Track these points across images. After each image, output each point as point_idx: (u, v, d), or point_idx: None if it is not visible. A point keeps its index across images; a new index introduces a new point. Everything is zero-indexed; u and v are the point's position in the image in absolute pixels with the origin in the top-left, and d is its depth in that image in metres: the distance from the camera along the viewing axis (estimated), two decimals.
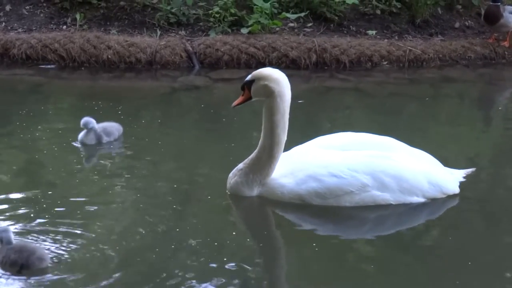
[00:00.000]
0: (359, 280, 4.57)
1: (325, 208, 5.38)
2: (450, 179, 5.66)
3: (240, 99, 5.57)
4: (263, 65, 9.21)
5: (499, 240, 5.12)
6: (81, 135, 6.75)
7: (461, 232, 5.27)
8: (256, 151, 5.53)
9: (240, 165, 5.58)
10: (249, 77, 5.49)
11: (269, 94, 5.40)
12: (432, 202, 5.54)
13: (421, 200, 5.51)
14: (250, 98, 5.51)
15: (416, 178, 5.46)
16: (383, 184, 5.36)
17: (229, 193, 5.63)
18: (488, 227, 5.36)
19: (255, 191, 5.55)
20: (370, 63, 10.26)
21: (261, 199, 5.55)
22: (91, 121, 6.74)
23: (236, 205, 5.61)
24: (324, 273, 4.66)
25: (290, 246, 5.12)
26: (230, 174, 5.61)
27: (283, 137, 5.47)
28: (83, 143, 6.74)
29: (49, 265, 4.48)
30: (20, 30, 10.51)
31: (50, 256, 4.57)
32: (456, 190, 5.65)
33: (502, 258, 4.81)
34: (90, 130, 6.71)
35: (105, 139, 6.78)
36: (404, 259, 4.84)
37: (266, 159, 5.48)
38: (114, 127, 6.94)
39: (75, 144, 6.73)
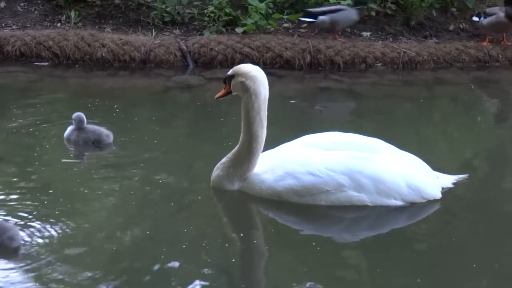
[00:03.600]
0: (330, 277, 4.59)
1: (302, 206, 5.39)
2: (431, 184, 5.56)
3: (221, 92, 5.67)
4: (257, 65, 9.18)
5: (470, 248, 5.02)
6: (66, 132, 6.72)
7: (436, 236, 5.22)
8: (237, 146, 5.59)
9: (223, 159, 5.64)
10: (230, 72, 5.58)
11: (245, 90, 5.46)
12: (411, 206, 5.46)
13: (399, 203, 5.43)
14: (230, 92, 5.59)
15: (395, 180, 5.39)
16: (360, 185, 5.33)
17: (212, 186, 5.68)
18: (463, 234, 5.23)
19: (236, 185, 5.60)
20: (364, 65, 10.25)
21: (241, 193, 5.60)
22: (80, 118, 6.64)
23: (217, 198, 5.67)
24: (298, 269, 4.68)
25: (265, 242, 5.12)
26: (214, 168, 5.67)
27: (261, 133, 5.51)
28: (66, 140, 6.70)
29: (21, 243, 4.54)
30: (14, 27, 10.54)
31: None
32: (437, 195, 5.56)
33: (471, 266, 4.75)
34: (78, 128, 6.65)
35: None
36: (377, 260, 4.81)
37: (246, 154, 5.53)
38: (95, 134, 6.62)
39: (65, 142, 6.73)
